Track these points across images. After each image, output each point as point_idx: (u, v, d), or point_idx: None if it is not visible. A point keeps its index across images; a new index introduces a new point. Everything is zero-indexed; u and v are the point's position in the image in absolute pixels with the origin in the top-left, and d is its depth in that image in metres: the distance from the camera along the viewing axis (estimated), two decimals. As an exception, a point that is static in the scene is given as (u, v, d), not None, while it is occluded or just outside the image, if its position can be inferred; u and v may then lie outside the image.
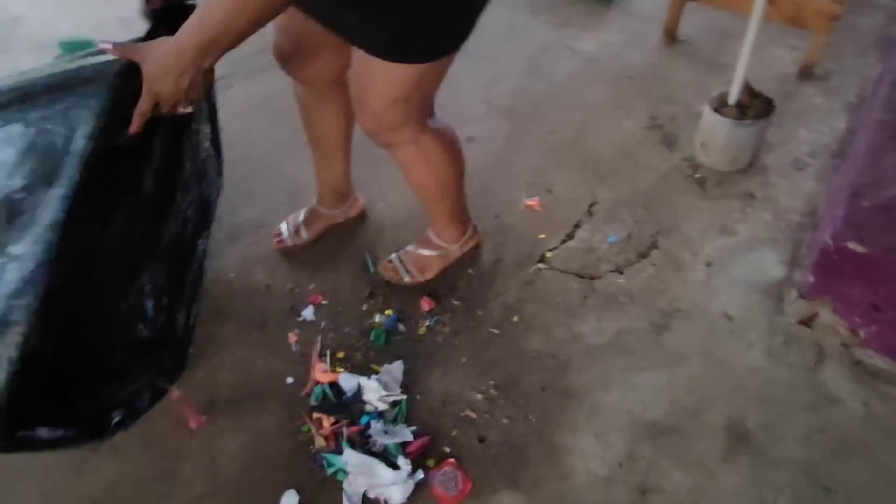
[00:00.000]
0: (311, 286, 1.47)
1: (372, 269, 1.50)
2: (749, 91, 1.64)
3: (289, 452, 1.21)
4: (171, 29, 0.91)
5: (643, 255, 1.56)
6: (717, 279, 1.50)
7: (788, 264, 1.51)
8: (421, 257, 1.47)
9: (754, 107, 1.63)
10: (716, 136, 1.66)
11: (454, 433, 1.25)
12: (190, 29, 0.87)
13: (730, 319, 1.43)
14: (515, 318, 1.43)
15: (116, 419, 1.07)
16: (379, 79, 1.07)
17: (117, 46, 0.92)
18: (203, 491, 1.17)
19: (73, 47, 1.93)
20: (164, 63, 0.87)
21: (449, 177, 1.32)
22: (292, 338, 1.38)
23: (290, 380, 1.31)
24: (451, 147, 1.28)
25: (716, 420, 1.27)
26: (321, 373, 1.30)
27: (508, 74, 1.99)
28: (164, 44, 0.88)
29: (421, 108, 1.16)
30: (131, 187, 1.12)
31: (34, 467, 1.18)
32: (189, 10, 0.93)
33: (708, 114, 1.66)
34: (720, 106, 1.66)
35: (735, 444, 1.23)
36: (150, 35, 0.97)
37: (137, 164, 1.12)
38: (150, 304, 1.15)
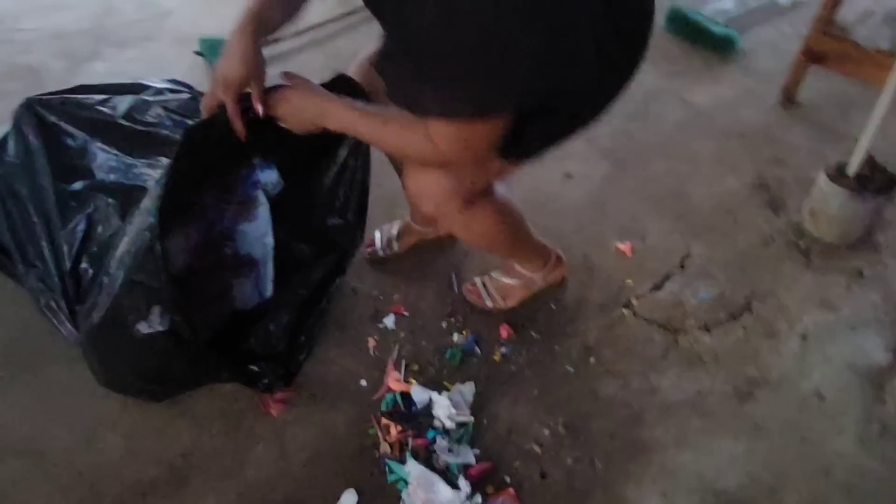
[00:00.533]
0: (396, 296, 1.52)
1: (456, 289, 1.53)
2: (871, 164, 1.57)
3: (354, 452, 1.25)
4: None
5: (734, 317, 1.50)
6: (812, 354, 1.43)
7: (894, 351, 1.42)
8: (504, 285, 1.48)
9: (876, 180, 1.55)
10: (828, 205, 1.59)
11: (516, 464, 1.24)
12: (336, 108, 1.01)
13: (821, 399, 1.35)
14: (592, 360, 1.41)
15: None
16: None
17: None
18: (269, 474, 1.21)
19: (211, 44, 2.10)
20: (302, 107, 1.05)
21: (502, 238, 1.26)
22: (371, 343, 1.42)
23: (363, 382, 1.35)
24: (499, 215, 1.19)
25: (793, 502, 1.20)
26: (395, 381, 1.33)
27: (613, 116, 1.96)
28: (313, 95, 1.04)
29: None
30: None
31: (123, 421, 1.27)
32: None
33: (823, 182, 1.60)
34: (837, 175, 1.59)
35: (813, 532, 1.16)
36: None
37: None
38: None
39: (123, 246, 1.11)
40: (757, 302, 1.53)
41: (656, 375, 1.39)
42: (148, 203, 1.08)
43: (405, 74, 0.90)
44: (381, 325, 1.46)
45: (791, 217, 1.72)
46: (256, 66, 1.04)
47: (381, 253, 1.57)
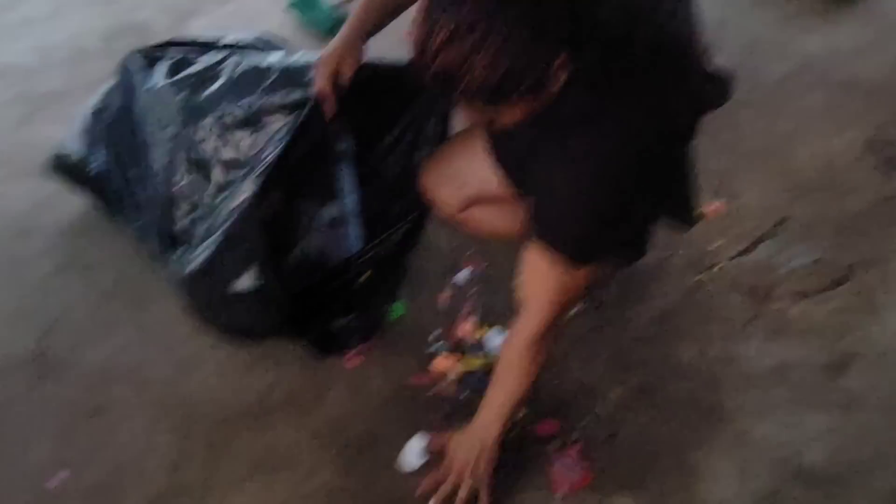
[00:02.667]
0: (470, 252, 1.52)
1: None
2: None
3: (422, 400, 1.28)
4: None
5: (831, 286, 1.39)
6: (921, 329, 1.31)
7: None
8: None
9: None
10: (955, 166, 1.42)
11: (584, 423, 1.23)
12: (488, 413, 1.08)
13: (928, 378, 1.24)
14: (670, 325, 1.36)
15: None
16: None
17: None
18: (343, 414, 1.27)
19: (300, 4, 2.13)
20: (471, 447, 1.08)
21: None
22: (443, 297, 1.44)
23: (436, 334, 1.38)
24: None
25: (884, 484, 1.12)
26: (464, 330, 1.35)
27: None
28: (469, 431, 1.09)
29: None
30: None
31: (214, 357, 1.37)
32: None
33: (950, 139, 1.42)
34: (969, 132, 1.41)
35: (904, 516, 1.08)
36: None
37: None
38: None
39: (225, 202, 1.17)
40: (860, 270, 1.41)
41: (737, 343, 1.32)
42: (256, 168, 1.13)
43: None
44: (454, 281, 1.47)
45: (909, 179, 1.55)
46: (352, 50, 1.17)
47: None
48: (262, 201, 1.11)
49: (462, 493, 1.06)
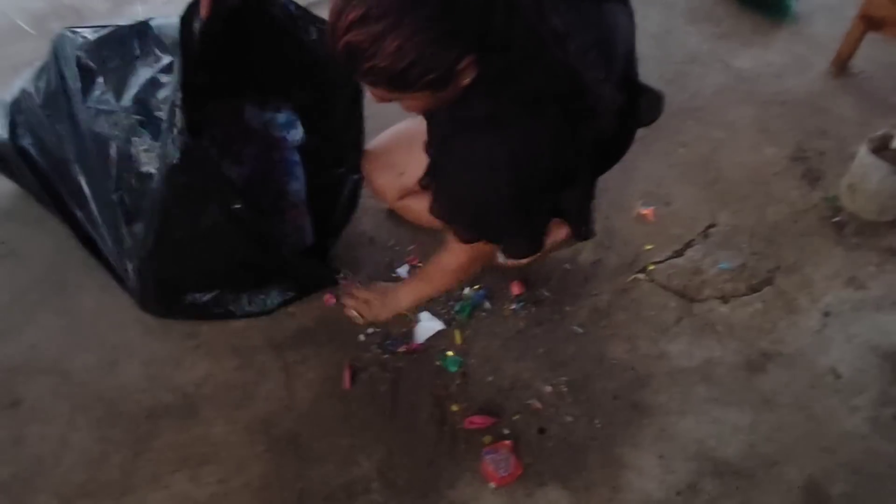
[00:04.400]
0: (411, 247, 1.53)
1: (471, 244, 1.53)
2: (919, 138, 1.48)
3: (357, 394, 1.28)
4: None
5: (754, 290, 1.46)
6: (832, 331, 1.38)
7: (921, 334, 1.36)
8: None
9: (921, 156, 1.47)
10: (868, 179, 1.52)
11: (516, 418, 1.26)
12: (408, 292, 1.26)
13: (837, 377, 1.32)
14: (603, 323, 1.40)
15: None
16: None
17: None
18: (275, 409, 1.26)
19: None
20: (383, 303, 1.28)
21: None
22: (383, 291, 1.44)
23: (370, 330, 1.38)
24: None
25: (794, 476, 1.19)
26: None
27: (650, 80, 1.91)
28: (387, 292, 1.29)
29: None
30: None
31: (143, 350, 1.33)
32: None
33: (864, 154, 1.52)
34: (880, 148, 1.51)
35: (810, 507, 1.14)
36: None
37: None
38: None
39: (162, 157, 1.14)
40: (781, 276, 1.49)
41: (666, 341, 1.37)
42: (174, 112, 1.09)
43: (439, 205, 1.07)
44: (394, 275, 1.47)
45: (828, 191, 1.65)
46: None
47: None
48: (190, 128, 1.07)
49: (359, 320, 1.32)
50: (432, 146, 1.05)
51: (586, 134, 0.97)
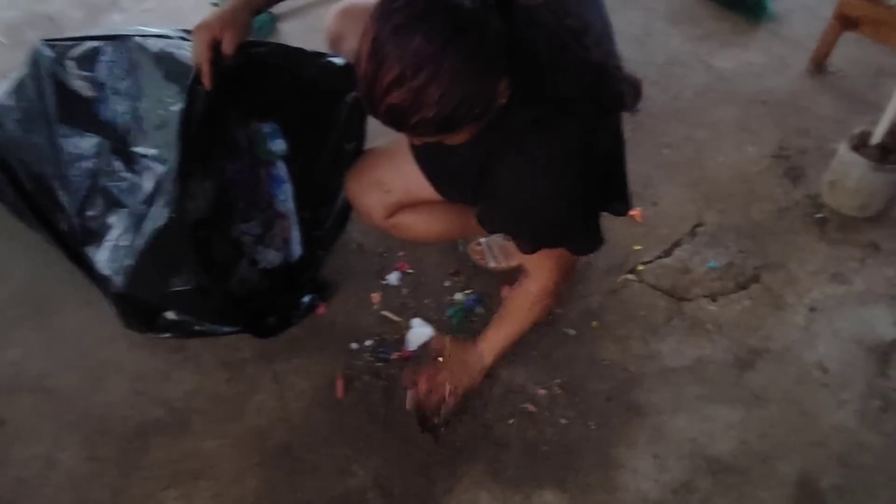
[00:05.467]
0: (401, 253, 1.52)
1: (461, 248, 1.53)
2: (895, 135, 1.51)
3: (350, 403, 1.27)
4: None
5: (742, 287, 1.48)
6: (818, 327, 1.40)
7: (905, 327, 1.39)
8: (506, 244, 1.48)
9: (899, 152, 1.50)
10: (848, 176, 1.54)
11: (511, 422, 1.26)
12: (489, 343, 1.18)
13: (824, 371, 1.33)
14: (594, 324, 1.41)
15: (272, 323, 1.32)
16: None
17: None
18: (268, 421, 1.24)
19: None
20: (464, 363, 1.18)
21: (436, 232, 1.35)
22: (375, 298, 1.43)
23: (367, 342, 1.36)
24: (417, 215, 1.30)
25: (786, 471, 1.20)
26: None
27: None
28: (467, 349, 1.19)
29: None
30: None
31: (130, 365, 1.31)
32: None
33: (843, 151, 1.54)
34: (859, 145, 1.53)
35: (803, 501, 1.15)
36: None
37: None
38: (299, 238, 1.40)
39: (143, 201, 1.13)
40: (767, 273, 1.50)
41: (657, 341, 1.38)
42: (168, 158, 1.10)
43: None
44: (384, 282, 1.47)
45: (810, 188, 1.67)
46: (235, 20, 1.08)
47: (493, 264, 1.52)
48: (183, 194, 1.07)
49: (434, 397, 1.17)
50: (459, 168, 1.04)
51: (618, 120, 0.99)
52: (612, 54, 1.01)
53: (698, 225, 1.60)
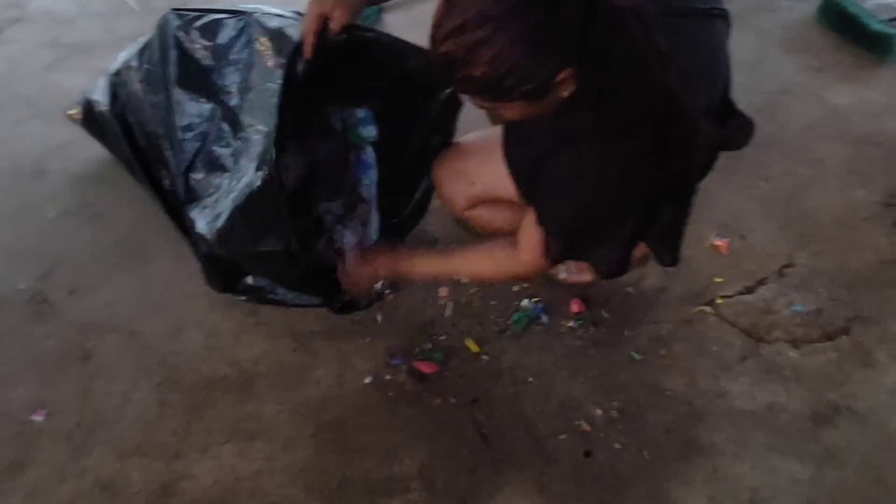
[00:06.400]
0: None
1: (534, 256, 1.52)
2: None
3: (402, 388, 1.29)
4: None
5: (828, 337, 1.39)
6: (911, 392, 1.30)
7: None
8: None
9: None
10: (968, 236, 1.42)
11: (562, 437, 1.23)
12: (431, 263, 1.22)
13: (911, 442, 1.23)
14: (662, 352, 1.36)
15: (345, 300, 1.33)
16: None
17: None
18: (325, 395, 1.28)
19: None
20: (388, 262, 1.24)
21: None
22: (443, 292, 1.45)
23: (429, 335, 1.38)
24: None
25: (853, 541, 1.12)
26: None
27: (738, 105, 1.85)
28: (405, 255, 1.24)
29: None
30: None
31: (207, 322, 1.38)
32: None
33: (966, 208, 1.42)
34: None
35: (869, 575, 1.07)
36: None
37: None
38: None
39: (244, 166, 1.19)
40: (859, 326, 1.40)
41: (728, 380, 1.32)
42: (264, 130, 1.15)
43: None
44: (455, 278, 1.48)
45: (920, 243, 1.55)
46: (348, 1, 1.11)
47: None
48: (278, 162, 1.12)
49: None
50: (525, 159, 1.04)
51: (679, 162, 0.95)
52: (702, 94, 0.95)
53: (788, 265, 1.52)
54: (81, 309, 1.39)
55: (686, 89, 0.86)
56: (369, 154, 1.48)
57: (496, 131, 1.19)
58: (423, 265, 1.23)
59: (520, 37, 0.75)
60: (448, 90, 1.29)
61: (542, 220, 1.02)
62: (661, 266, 1.22)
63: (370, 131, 1.46)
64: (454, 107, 1.31)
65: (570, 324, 1.40)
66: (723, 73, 1.01)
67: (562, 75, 0.79)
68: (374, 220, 1.47)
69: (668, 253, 1.21)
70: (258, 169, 1.15)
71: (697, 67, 0.93)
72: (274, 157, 1.13)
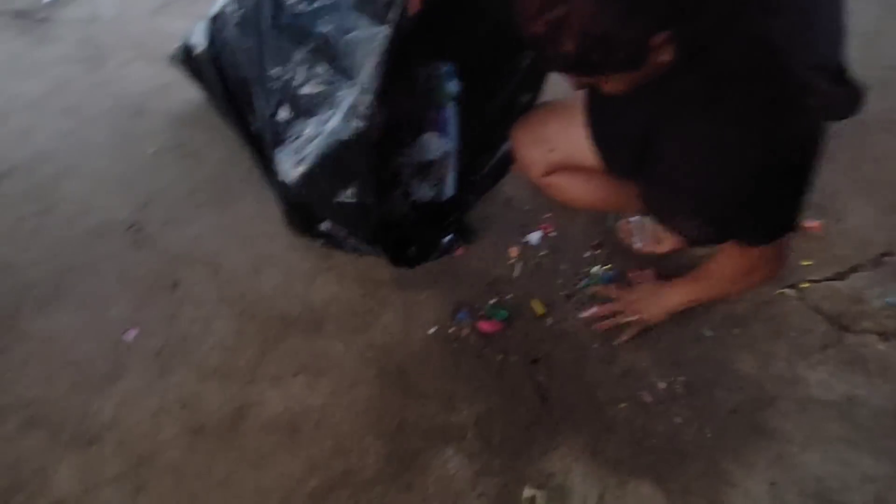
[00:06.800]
0: (547, 214, 1.51)
1: (609, 224, 1.48)
2: None
3: (466, 344, 1.31)
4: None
5: (923, 334, 1.29)
6: None
7: None
8: (661, 229, 1.40)
9: None
10: None
11: (622, 406, 1.22)
12: (683, 293, 1.22)
13: None
14: (736, 331, 1.31)
15: (411, 254, 1.39)
16: None
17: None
18: (391, 342, 1.32)
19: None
20: (653, 301, 1.27)
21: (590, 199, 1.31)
22: (513, 252, 1.45)
23: (495, 292, 1.39)
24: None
25: (928, 546, 1.06)
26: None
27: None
28: (659, 291, 1.27)
29: None
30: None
31: (284, 263, 1.44)
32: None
33: None
34: None
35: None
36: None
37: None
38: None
39: (331, 114, 1.21)
40: (961, 325, 1.30)
41: (805, 367, 1.26)
42: (363, 81, 1.16)
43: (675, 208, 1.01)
44: (525, 239, 1.47)
45: None
46: None
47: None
48: (371, 120, 1.14)
49: (619, 319, 1.29)
50: (619, 131, 1.01)
51: (794, 125, 0.87)
52: (812, 51, 0.87)
53: (886, 254, 1.41)
54: (172, 240, 1.48)
55: (793, 44, 0.80)
56: (450, 110, 1.48)
57: (581, 97, 1.15)
58: (680, 296, 1.23)
59: (602, 6, 0.71)
60: None
61: (659, 202, 0.98)
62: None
63: (453, 86, 1.45)
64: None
65: (641, 294, 1.37)
66: (837, 34, 0.93)
67: (657, 39, 0.74)
68: (451, 177, 1.48)
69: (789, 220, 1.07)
70: (347, 119, 1.17)
71: (811, 21, 0.86)
72: (372, 111, 1.13)
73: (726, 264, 1.08)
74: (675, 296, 1.23)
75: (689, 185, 0.93)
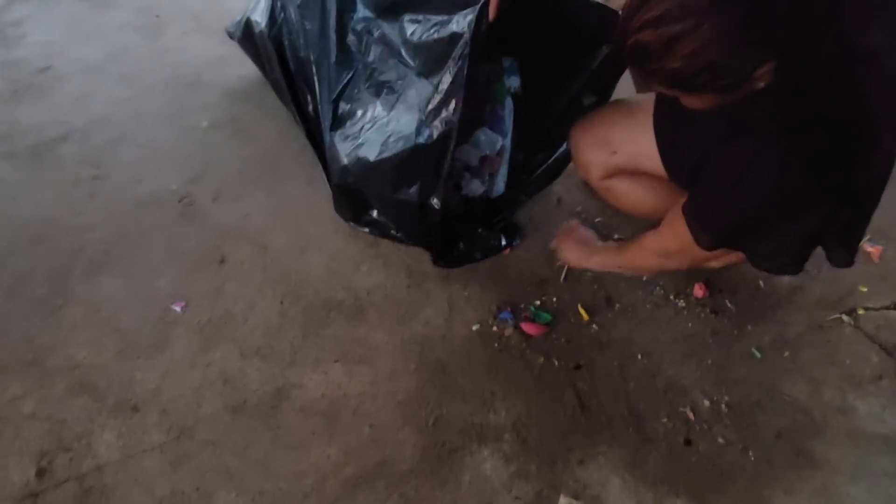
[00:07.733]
0: (598, 219, 1.48)
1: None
2: None
3: (508, 345, 1.30)
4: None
5: (985, 373, 1.25)
6: None
7: None
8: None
9: None
10: None
11: (664, 420, 1.20)
12: (601, 257, 1.27)
13: None
14: (786, 354, 1.28)
15: (456, 252, 1.39)
16: None
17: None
18: (431, 335, 1.31)
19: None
20: (574, 255, 1.32)
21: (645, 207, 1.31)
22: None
23: (541, 294, 1.37)
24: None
25: None
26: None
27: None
28: (588, 247, 1.31)
29: None
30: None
31: (330, 247, 1.44)
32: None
33: None
34: None
35: None
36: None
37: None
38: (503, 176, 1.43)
39: (400, 109, 1.21)
40: None
41: (857, 397, 1.22)
42: (447, 83, 1.14)
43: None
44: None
45: None
46: None
47: None
48: (451, 126, 1.13)
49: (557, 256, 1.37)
50: (690, 141, 1.00)
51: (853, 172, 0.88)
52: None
53: (951, 286, 1.36)
54: (221, 215, 1.49)
55: (883, 103, 0.78)
56: (508, 106, 1.45)
57: (646, 100, 1.12)
58: (597, 258, 1.28)
59: (725, 32, 0.70)
60: (609, 46, 1.22)
61: (699, 211, 0.98)
62: (833, 266, 1.09)
63: (513, 81, 1.43)
64: (615, 65, 1.25)
65: (689, 307, 1.34)
66: None
67: (763, 69, 0.74)
68: (503, 173, 1.46)
69: (844, 253, 1.08)
70: (424, 122, 1.15)
71: None
72: (456, 118, 1.11)
73: (654, 242, 1.11)
74: (595, 257, 1.29)
75: (739, 205, 0.93)
